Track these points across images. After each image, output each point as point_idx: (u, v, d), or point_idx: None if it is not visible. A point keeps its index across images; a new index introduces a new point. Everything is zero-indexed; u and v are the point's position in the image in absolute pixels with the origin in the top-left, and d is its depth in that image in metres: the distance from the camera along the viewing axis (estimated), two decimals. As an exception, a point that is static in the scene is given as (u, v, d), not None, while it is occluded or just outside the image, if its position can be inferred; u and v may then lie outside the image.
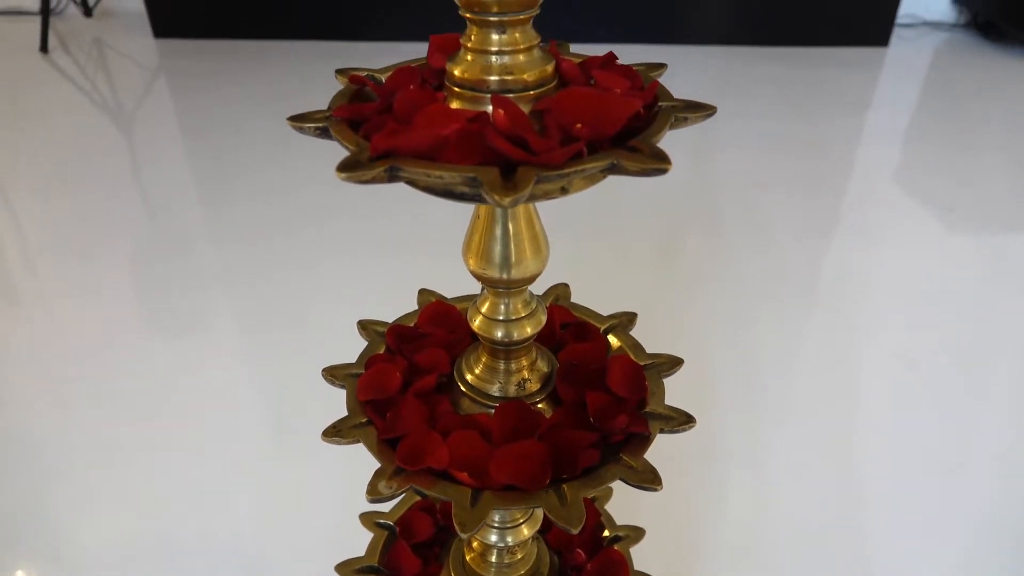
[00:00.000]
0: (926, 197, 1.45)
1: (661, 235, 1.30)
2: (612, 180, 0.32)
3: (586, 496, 0.38)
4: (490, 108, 0.32)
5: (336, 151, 0.32)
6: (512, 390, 0.42)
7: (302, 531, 0.78)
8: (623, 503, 0.62)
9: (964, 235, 1.34)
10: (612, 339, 0.48)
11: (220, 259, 1.24)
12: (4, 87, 1.94)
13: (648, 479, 0.38)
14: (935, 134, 1.72)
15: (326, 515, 0.78)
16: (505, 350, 0.42)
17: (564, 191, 0.31)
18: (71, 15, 2.36)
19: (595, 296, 1.04)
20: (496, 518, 0.47)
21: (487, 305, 0.41)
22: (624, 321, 0.49)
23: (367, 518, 0.57)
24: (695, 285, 1.17)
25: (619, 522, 0.60)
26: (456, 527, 0.35)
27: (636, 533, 0.59)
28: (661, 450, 0.41)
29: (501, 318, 0.41)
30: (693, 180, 1.46)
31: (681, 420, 0.42)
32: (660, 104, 0.35)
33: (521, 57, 0.33)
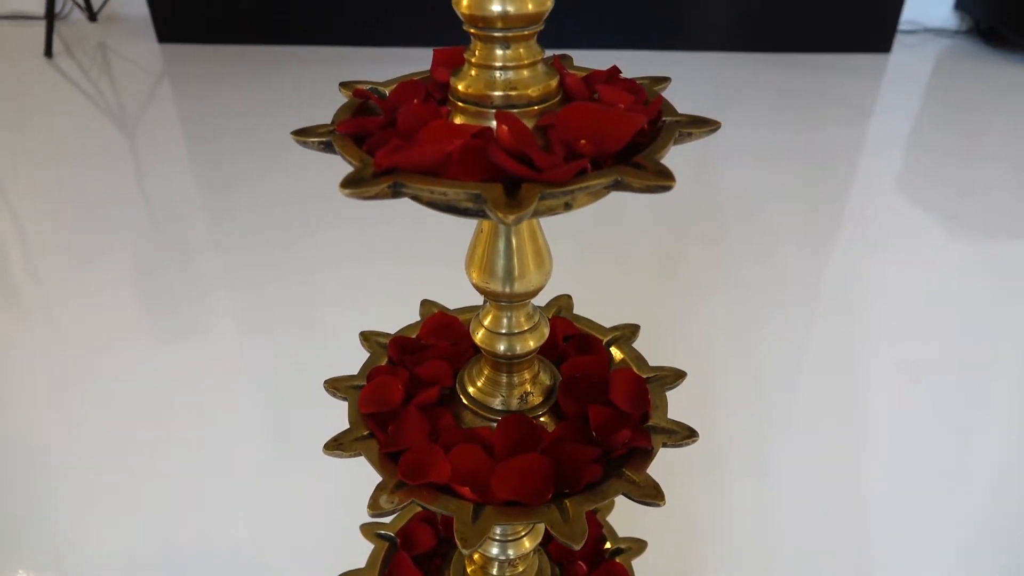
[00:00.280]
0: (928, 204, 1.45)
1: (663, 243, 1.30)
2: (615, 189, 0.32)
3: (588, 511, 0.38)
4: (494, 123, 0.32)
5: (339, 157, 0.32)
6: (514, 403, 0.42)
7: (303, 539, 0.77)
8: (625, 514, 0.62)
9: (967, 243, 1.34)
10: (615, 351, 0.48)
11: (222, 264, 1.24)
12: (8, 91, 1.95)
13: (650, 495, 0.38)
14: (937, 141, 1.72)
15: (327, 523, 0.78)
16: (507, 363, 0.42)
17: (568, 207, 0.31)
18: (75, 20, 2.37)
19: (597, 304, 1.04)
20: (498, 531, 0.47)
21: (489, 318, 0.41)
22: (627, 333, 0.49)
23: (368, 529, 0.57)
24: (697, 293, 1.17)
25: (621, 534, 0.60)
26: (458, 542, 0.35)
27: (638, 545, 0.59)
28: (663, 460, 0.41)
29: (504, 331, 0.40)
30: (695, 187, 1.46)
31: (684, 434, 0.42)
32: (664, 119, 0.35)
33: (525, 72, 0.32)
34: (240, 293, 1.17)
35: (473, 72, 0.33)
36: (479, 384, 0.43)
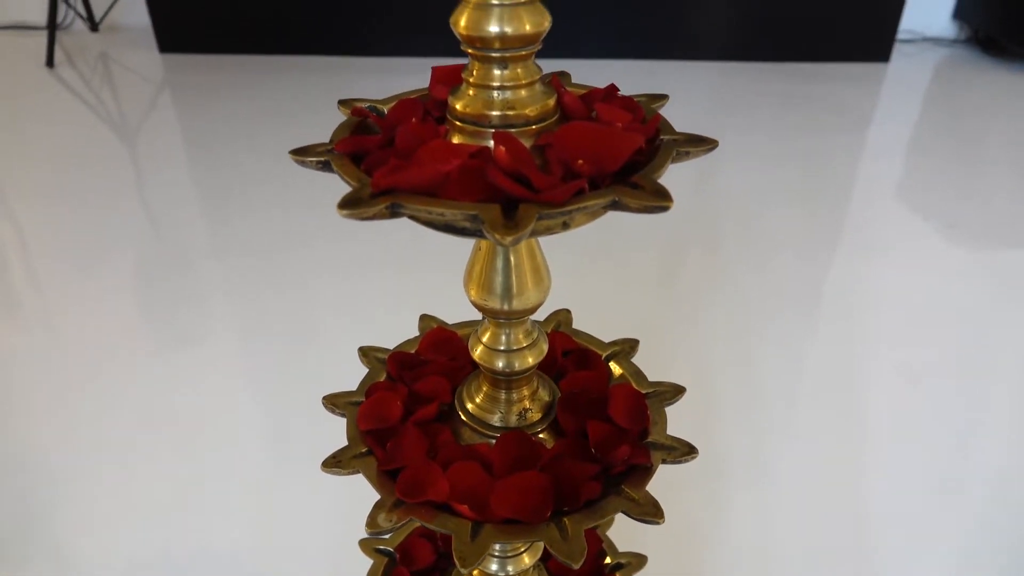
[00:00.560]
0: (928, 212, 1.45)
1: (663, 251, 1.30)
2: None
3: (587, 528, 0.38)
4: (492, 143, 0.32)
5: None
6: (513, 420, 0.42)
7: (302, 550, 0.77)
8: (625, 528, 0.62)
9: (966, 250, 1.34)
10: (614, 366, 0.48)
11: (222, 272, 1.24)
12: (10, 100, 1.95)
13: (650, 512, 0.38)
14: (936, 149, 1.72)
15: (327, 534, 0.78)
16: (506, 380, 0.41)
17: (566, 226, 0.31)
18: (77, 30, 2.38)
19: (597, 314, 1.04)
20: (497, 548, 0.47)
21: (488, 335, 0.41)
22: (626, 348, 0.49)
23: (367, 544, 0.57)
24: (697, 301, 1.17)
25: (621, 548, 0.60)
26: (456, 561, 0.35)
27: (638, 560, 0.59)
28: (662, 471, 0.41)
29: (502, 348, 0.40)
30: (695, 196, 1.46)
31: (683, 451, 0.41)
32: (662, 137, 0.35)
33: (523, 92, 0.33)
34: (240, 301, 1.17)
35: (471, 92, 0.33)
36: (478, 400, 0.43)
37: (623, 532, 0.61)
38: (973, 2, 2.19)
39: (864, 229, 1.40)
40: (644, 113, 0.37)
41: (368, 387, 0.45)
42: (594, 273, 1.23)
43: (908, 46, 2.26)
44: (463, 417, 0.43)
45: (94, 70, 2.15)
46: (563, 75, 0.41)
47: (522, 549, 0.48)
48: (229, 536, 0.79)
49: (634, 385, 0.46)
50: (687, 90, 1.98)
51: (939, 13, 2.26)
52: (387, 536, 0.58)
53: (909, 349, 1.07)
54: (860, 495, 0.85)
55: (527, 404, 0.42)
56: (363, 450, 0.41)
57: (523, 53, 0.32)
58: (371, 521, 0.37)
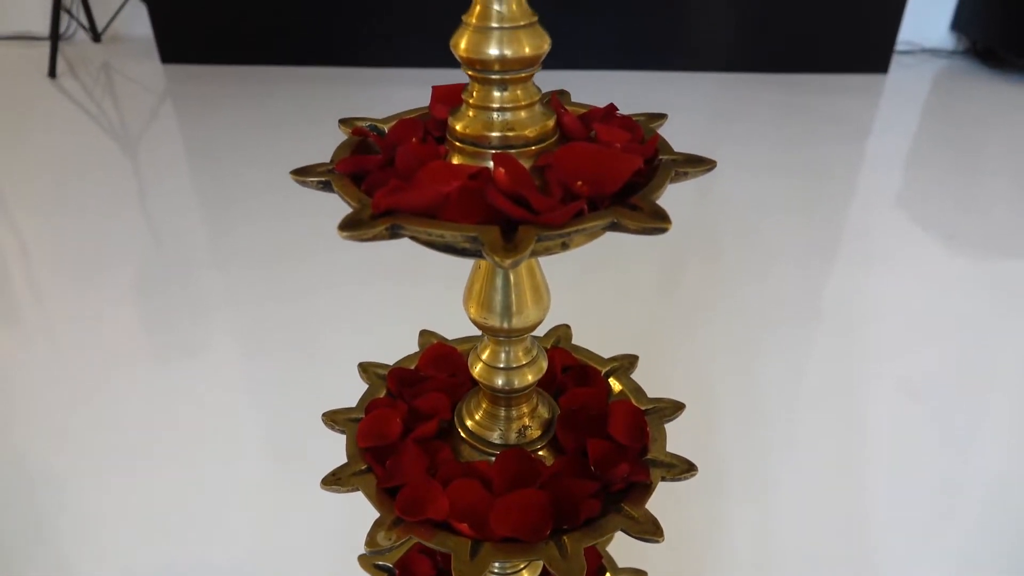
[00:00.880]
0: (927, 223, 1.45)
1: (662, 261, 1.31)
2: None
3: (587, 546, 0.38)
4: (492, 163, 0.32)
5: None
6: (513, 437, 0.42)
7: (301, 565, 0.77)
8: (625, 541, 0.62)
9: (966, 260, 1.34)
10: (613, 383, 0.48)
11: (223, 284, 1.25)
12: (12, 110, 1.96)
13: (649, 530, 0.38)
14: (935, 160, 1.72)
15: (327, 548, 0.78)
16: (506, 397, 0.42)
17: (565, 247, 0.31)
18: (80, 40, 2.39)
19: (596, 325, 1.04)
20: (496, 566, 0.47)
21: (487, 352, 0.41)
22: (625, 364, 0.49)
23: (366, 560, 0.57)
24: (696, 311, 1.17)
25: (621, 563, 0.60)
26: (455, 580, 0.35)
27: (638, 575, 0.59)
28: (663, 484, 0.41)
29: (502, 366, 0.41)
30: (695, 206, 1.46)
31: (683, 468, 0.41)
32: (661, 157, 0.35)
33: (523, 113, 0.33)
34: (241, 312, 1.17)
35: (471, 113, 0.33)
36: (477, 417, 0.43)
37: (623, 546, 0.60)
38: (971, 14, 2.20)
39: (864, 239, 1.40)
40: (643, 133, 0.37)
41: (368, 403, 0.45)
42: (594, 283, 1.23)
43: (907, 57, 2.27)
44: (463, 434, 0.43)
45: (96, 80, 2.16)
46: (562, 94, 0.41)
47: (522, 567, 0.48)
48: (229, 550, 0.79)
49: (634, 402, 0.46)
50: (687, 101, 1.99)
51: (937, 25, 2.27)
52: (387, 551, 0.58)
53: (909, 360, 1.07)
54: (860, 506, 0.85)
55: (527, 421, 0.42)
56: (362, 467, 0.41)
57: (523, 75, 0.32)
58: (370, 540, 0.37)
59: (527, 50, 0.31)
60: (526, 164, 0.33)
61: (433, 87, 0.39)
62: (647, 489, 0.40)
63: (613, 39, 2.12)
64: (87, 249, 1.34)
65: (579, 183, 0.31)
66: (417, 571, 0.56)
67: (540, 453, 0.42)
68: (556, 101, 0.36)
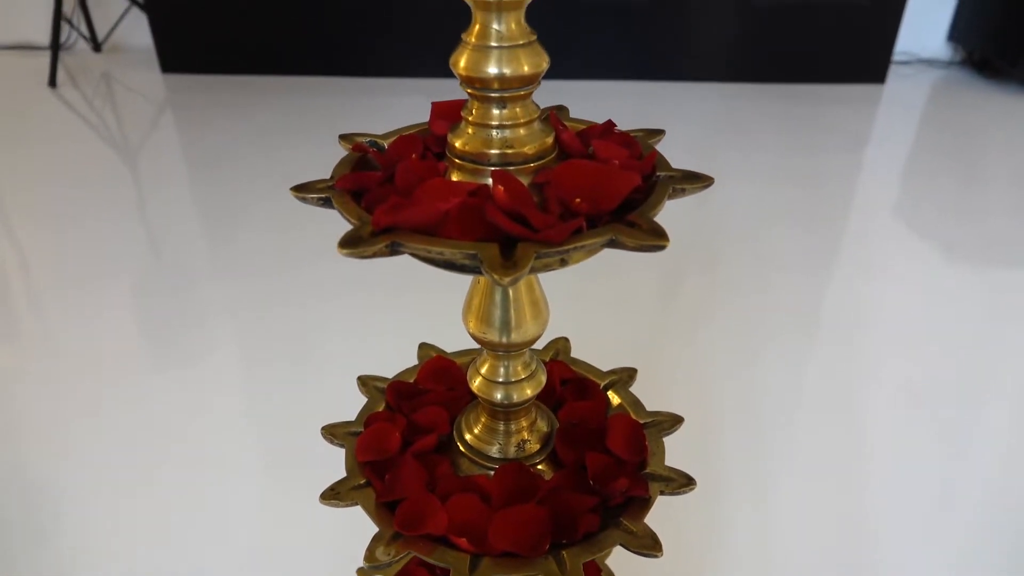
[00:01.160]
0: (925, 232, 1.46)
1: (661, 270, 1.31)
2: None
3: (586, 561, 0.38)
4: (491, 180, 0.33)
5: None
6: (512, 451, 0.42)
7: (300, 575, 0.77)
8: (624, 553, 0.61)
9: (964, 270, 1.35)
10: (612, 396, 0.48)
11: (223, 293, 1.25)
12: (12, 120, 1.96)
13: (648, 545, 0.38)
14: (933, 169, 1.73)
15: (325, 558, 0.77)
16: (504, 411, 0.42)
17: (564, 263, 0.32)
18: (80, 50, 2.40)
19: (594, 334, 1.04)
20: (495, 578, 0.47)
21: (487, 367, 0.41)
22: (624, 377, 0.49)
23: (364, 575, 0.57)
24: (695, 321, 1.17)
25: (620, 574, 0.60)
26: (454, 596, 0.35)
27: (637, 588, 0.59)
28: (662, 496, 0.41)
29: (501, 380, 0.41)
30: (693, 216, 1.47)
31: (681, 482, 0.42)
32: (659, 174, 0.35)
33: (522, 131, 0.33)
34: (241, 321, 1.17)
35: (470, 130, 0.33)
36: (476, 431, 0.43)
37: (622, 559, 0.60)
38: (967, 24, 2.21)
39: (863, 248, 1.40)
40: (641, 149, 0.37)
41: (367, 417, 0.45)
42: (592, 292, 1.23)
43: (904, 68, 2.28)
44: (461, 448, 0.43)
45: (96, 90, 2.17)
46: (561, 110, 0.41)
47: (520, 579, 0.48)
48: (227, 560, 0.78)
49: (632, 415, 0.46)
50: (686, 110, 2.00)
51: (934, 35, 2.28)
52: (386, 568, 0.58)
53: (908, 368, 1.07)
54: (861, 515, 0.84)
55: (525, 435, 0.43)
56: (361, 481, 0.41)
57: (522, 93, 0.33)
58: (369, 555, 0.37)
59: (526, 69, 0.32)
60: (525, 181, 0.33)
61: (433, 103, 0.39)
62: (646, 503, 0.40)
63: (614, 49, 2.13)
64: (86, 258, 1.34)
65: (577, 200, 0.31)
66: (416, 584, 0.56)
67: (539, 467, 0.42)
68: (555, 118, 0.37)
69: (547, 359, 0.51)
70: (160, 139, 1.87)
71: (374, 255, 0.30)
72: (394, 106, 2.01)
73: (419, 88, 2.10)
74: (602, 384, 0.49)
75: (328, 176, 0.36)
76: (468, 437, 0.43)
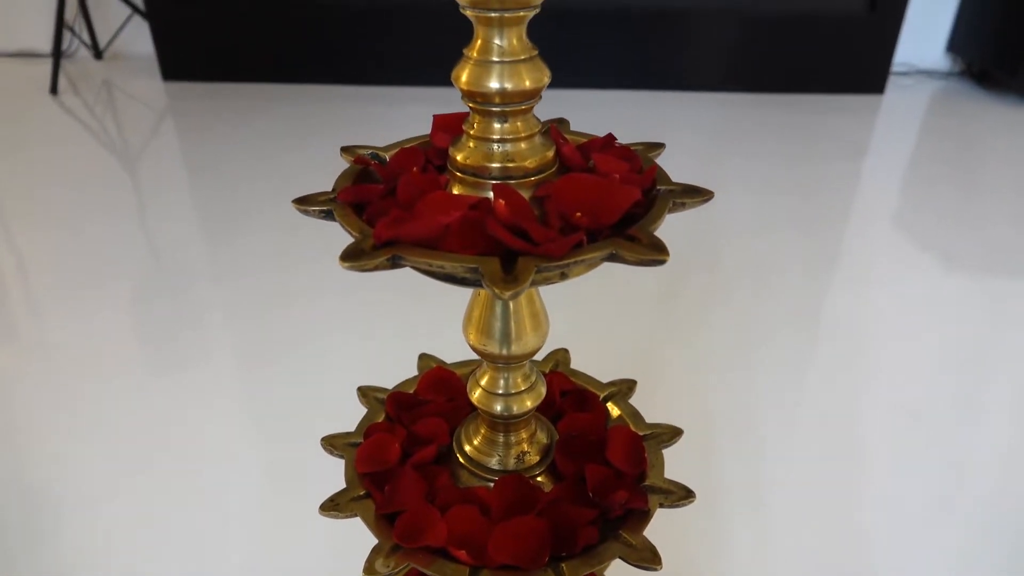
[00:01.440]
0: (925, 242, 1.46)
1: (660, 280, 1.31)
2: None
3: (585, 574, 0.38)
4: (492, 194, 0.33)
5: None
6: (511, 463, 0.42)
7: (297, 587, 0.77)
8: (624, 565, 0.61)
9: (964, 279, 1.35)
10: (612, 407, 0.48)
11: (222, 298, 1.25)
12: (13, 126, 1.97)
13: (647, 558, 0.38)
14: (932, 179, 1.73)
15: (324, 566, 0.77)
16: (504, 423, 0.42)
17: (564, 276, 0.32)
18: (81, 57, 2.40)
19: (593, 342, 1.04)
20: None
21: (486, 378, 0.41)
22: (623, 389, 0.49)
23: (363, 583, 0.57)
24: (694, 331, 1.17)
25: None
26: (453, 609, 0.35)
27: (636, 599, 0.58)
28: (661, 508, 0.41)
29: (500, 392, 0.41)
30: (693, 225, 1.47)
31: (681, 495, 0.42)
32: (659, 188, 0.36)
33: (523, 145, 0.33)
34: (240, 326, 1.17)
35: (471, 144, 0.34)
36: (476, 443, 0.43)
37: (621, 571, 0.60)
38: (965, 36, 2.22)
39: (862, 259, 1.41)
40: (641, 162, 0.37)
41: (367, 428, 0.45)
42: (591, 300, 1.23)
43: (903, 78, 2.29)
44: (461, 459, 0.43)
45: (97, 97, 2.17)
46: (561, 123, 0.41)
47: (519, 591, 0.48)
48: (225, 567, 0.78)
49: (632, 427, 0.46)
50: (686, 120, 2.00)
51: (933, 46, 2.29)
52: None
53: (907, 380, 1.07)
54: (860, 527, 0.84)
55: (525, 447, 0.43)
56: (361, 493, 0.41)
57: (523, 107, 0.33)
58: (368, 567, 0.37)
59: (527, 83, 0.32)
60: (526, 194, 0.33)
61: (434, 116, 0.39)
62: (645, 516, 0.40)
63: (614, 59, 2.14)
64: (86, 264, 1.34)
65: (578, 214, 0.31)
66: (414, 595, 0.56)
67: (539, 479, 0.42)
68: (555, 131, 0.37)
69: (547, 370, 0.51)
70: (160, 146, 1.88)
71: (376, 268, 0.30)
72: (395, 115, 2.01)
73: (420, 96, 2.11)
74: (602, 396, 0.49)
75: (328, 183, 0.36)
76: (468, 448, 0.43)
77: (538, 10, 0.31)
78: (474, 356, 0.45)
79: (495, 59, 0.31)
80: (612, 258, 0.30)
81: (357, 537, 0.43)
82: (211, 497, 0.87)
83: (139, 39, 2.34)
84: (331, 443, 0.44)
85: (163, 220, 1.52)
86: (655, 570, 0.37)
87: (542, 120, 0.36)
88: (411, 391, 0.48)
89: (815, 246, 1.44)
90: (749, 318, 1.21)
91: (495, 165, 0.33)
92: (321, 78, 2.18)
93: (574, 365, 0.53)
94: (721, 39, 2.13)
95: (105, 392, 1.03)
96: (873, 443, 0.97)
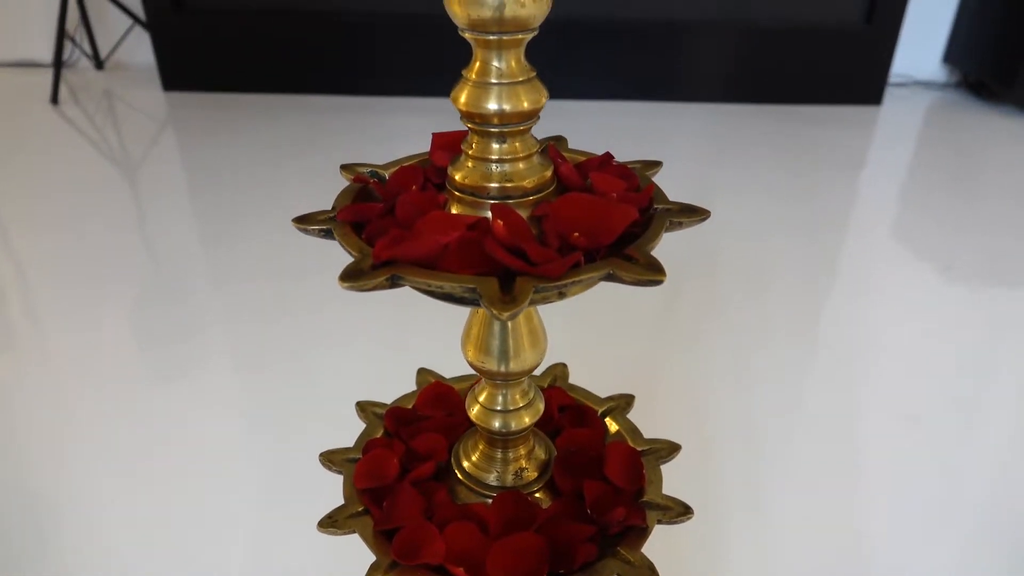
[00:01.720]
0: (923, 252, 1.46)
1: (658, 292, 1.31)
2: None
3: (583, 591, 0.38)
4: (490, 213, 0.33)
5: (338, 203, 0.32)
6: (509, 479, 0.42)
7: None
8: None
9: (961, 289, 1.35)
10: (610, 423, 0.48)
11: (222, 308, 1.25)
12: (14, 136, 1.97)
13: (645, 575, 0.38)
14: (930, 190, 1.74)
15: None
16: (503, 439, 0.42)
17: (562, 296, 0.32)
18: (82, 67, 2.41)
19: (591, 352, 1.04)
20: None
21: (485, 395, 0.41)
22: (622, 404, 0.49)
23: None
24: (692, 343, 1.17)
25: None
26: (451, 627, 0.35)
27: (634, 614, 0.58)
28: (660, 524, 0.41)
29: (499, 408, 0.41)
30: (690, 237, 1.47)
31: (679, 511, 0.42)
32: (656, 207, 0.36)
33: (521, 165, 0.34)
34: (240, 335, 1.17)
35: (470, 164, 0.34)
36: (474, 459, 0.43)
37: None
38: (962, 47, 2.23)
39: (860, 269, 1.41)
40: (639, 181, 0.38)
41: (365, 443, 0.45)
42: (590, 313, 1.23)
43: (900, 89, 2.30)
44: (459, 475, 0.43)
45: (98, 107, 2.18)
46: (559, 140, 0.42)
47: (518, 607, 0.48)
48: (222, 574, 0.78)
49: (630, 443, 0.46)
50: (683, 130, 2.01)
51: (929, 57, 2.30)
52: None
53: (907, 390, 1.08)
54: (860, 539, 0.84)
55: (523, 463, 0.43)
56: (359, 509, 0.41)
57: (521, 128, 0.33)
58: (367, 584, 0.37)
59: (525, 105, 0.32)
60: (524, 214, 0.33)
61: (433, 134, 0.40)
62: (643, 533, 0.40)
63: (612, 69, 2.15)
64: (86, 273, 1.34)
65: (575, 234, 0.32)
66: (412, 610, 0.56)
67: (537, 495, 0.43)
68: (553, 150, 0.37)
69: (545, 385, 0.51)
70: (160, 155, 1.88)
71: (375, 288, 0.30)
72: (396, 125, 2.02)
73: (420, 107, 2.12)
74: (600, 411, 0.49)
75: (327, 193, 0.37)
76: (466, 464, 0.43)
77: (536, 32, 0.32)
78: (473, 371, 0.45)
79: (493, 81, 0.32)
80: (609, 278, 0.31)
81: (356, 552, 0.43)
82: (210, 505, 0.87)
83: (140, 49, 2.35)
84: (330, 459, 0.44)
85: (163, 229, 1.52)
86: (653, 587, 0.37)
87: (541, 136, 0.37)
88: (410, 406, 0.48)
89: (814, 256, 1.44)
90: (748, 329, 1.21)
91: (493, 185, 0.33)
92: (321, 88, 2.19)
93: (572, 379, 0.53)
94: (719, 51, 2.14)
95: (104, 398, 1.03)
96: (873, 453, 0.97)
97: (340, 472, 0.43)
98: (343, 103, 2.16)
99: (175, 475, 0.91)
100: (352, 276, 0.30)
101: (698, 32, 2.11)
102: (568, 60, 2.09)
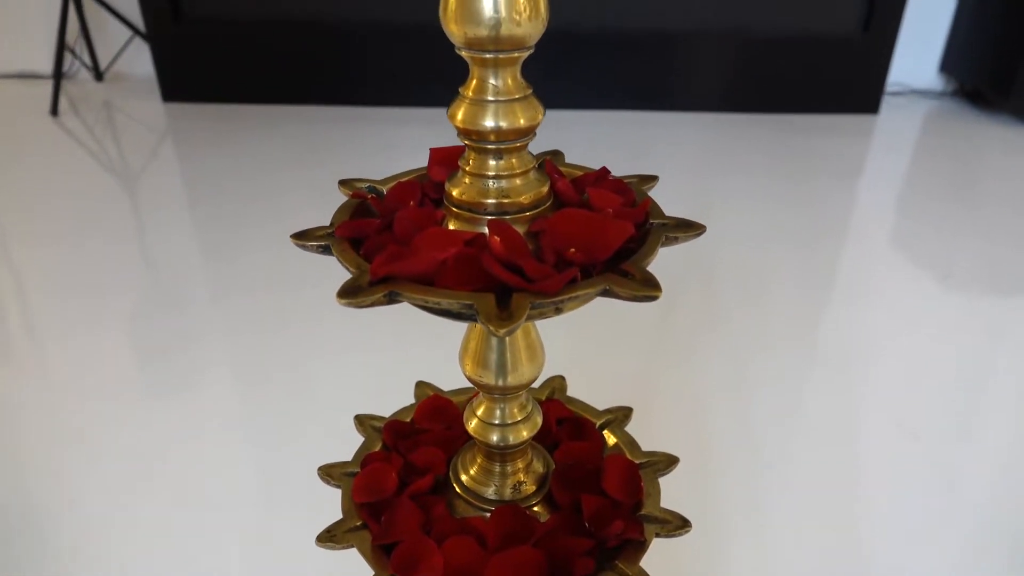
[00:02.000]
0: (920, 260, 1.47)
1: (655, 304, 1.31)
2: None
3: (581, 606, 0.38)
4: (487, 229, 0.33)
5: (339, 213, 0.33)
6: (507, 493, 0.42)
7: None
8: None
9: (960, 298, 1.35)
10: (608, 435, 0.48)
11: (221, 320, 1.25)
12: (13, 148, 1.98)
13: (644, 589, 0.38)
14: (928, 199, 1.75)
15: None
16: (500, 453, 0.42)
17: (559, 311, 0.32)
18: (82, 79, 2.42)
19: (588, 362, 1.04)
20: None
21: (483, 409, 0.41)
22: (619, 417, 0.49)
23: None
24: (690, 354, 1.18)
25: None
26: (450, 642, 0.35)
27: (634, 627, 0.58)
28: (658, 537, 0.41)
29: (497, 422, 0.41)
30: (687, 248, 1.48)
31: (677, 524, 0.42)
32: (652, 221, 0.36)
33: (518, 181, 0.34)
34: (239, 348, 1.17)
35: (467, 180, 0.34)
36: (472, 473, 0.43)
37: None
38: (959, 56, 2.25)
39: (858, 278, 1.41)
40: (635, 196, 0.38)
41: (364, 457, 0.45)
42: (587, 325, 1.23)
43: (897, 98, 2.31)
44: (458, 489, 0.43)
45: (97, 118, 2.18)
46: (556, 155, 0.42)
47: (516, 621, 0.48)
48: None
49: (628, 455, 0.46)
50: (680, 140, 2.02)
51: (926, 66, 2.31)
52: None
53: (906, 399, 1.08)
54: (858, 549, 0.84)
55: (521, 477, 0.43)
56: (358, 523, 0.41)
57: (518, 145, 0.33)
58: (365, 599, 0.37)
59: (522, 122, 0.32)
60: (520, 229, 0.34)
61: (431, 149, 0.40)
62: (641, 546, 0.40)
63: (610, 80, 2.16)
64: (85, 284, 1.34)
65: (572, 250, 0.32)
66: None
67: (535, 509, 0.43)
68: (550, 166, 0.37)
69: (543, 397, 0.51)
70: (160, 167, 1.89)
71: (372, 304, 0.30)
72: (395, 135, 2.02)
73: (419, 117, 2.12)
74: (598, 424, 0.49)
75: (326, 205, 0.37)
76: (464, 478, 0.43)
77: (532, 51, 0.32)
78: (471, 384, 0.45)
79: (490, 98, 0.32)
80: (606, 294, 0.31)
81: (354, 566, 0.43)
82: (208, 517, 0.87)
83: (139, 60, 2.36)
84: (328, 473, 0.44)
85: (162, 240, 1.52)
86: (651, 602, 0.37)
87: (537, 148, 0.37)
88: (408, 419, 0.49)
89: (811, 265, 1.44)
90: (746, 339, 1.21)
91: (490, 201, 0.33)
92: (320, 99, 2.20)
93: (570, 391, 0.53)
94: (716, 60, 2.15)
95: (103, 409, 1.03)
96: (872, 462, 0.97)
97: (338, 486, 0.43)
98: (342, 113, 2.16)
99: (174, 487, 0.91)
100: (350, 293, 0.30)
101: (695, 41, 2.12)
102: (564, 70, 2.10)
